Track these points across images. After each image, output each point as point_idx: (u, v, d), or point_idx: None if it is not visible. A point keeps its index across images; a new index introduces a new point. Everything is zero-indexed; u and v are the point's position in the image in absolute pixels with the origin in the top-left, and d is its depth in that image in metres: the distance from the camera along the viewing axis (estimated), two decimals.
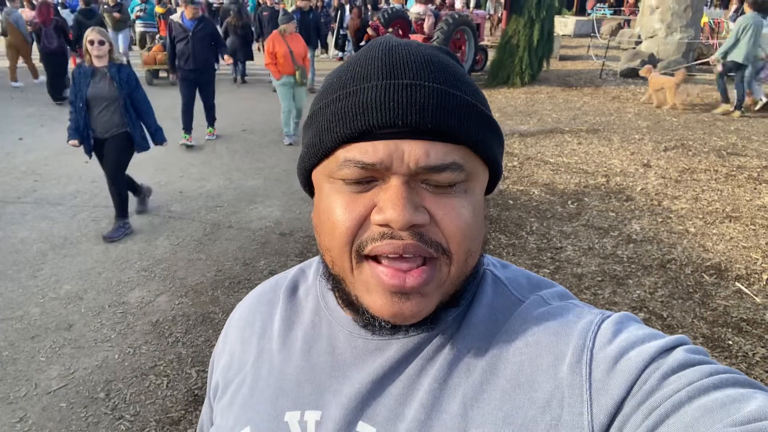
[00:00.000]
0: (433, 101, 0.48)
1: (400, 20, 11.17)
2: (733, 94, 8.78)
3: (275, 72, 6.57)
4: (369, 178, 0.50)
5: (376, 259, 0.51)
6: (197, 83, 6.70)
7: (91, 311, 3.40)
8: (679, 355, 0.47)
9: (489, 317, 0.57)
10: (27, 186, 5.41)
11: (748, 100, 8.81)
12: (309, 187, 0.60)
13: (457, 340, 0.56)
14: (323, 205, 0.53)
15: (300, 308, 0.66)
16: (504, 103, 9.51)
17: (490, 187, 0.59)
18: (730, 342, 3.12)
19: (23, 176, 5.69)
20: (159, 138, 4.61)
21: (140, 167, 5.99)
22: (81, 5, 10.56)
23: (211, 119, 7.11)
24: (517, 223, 4.70)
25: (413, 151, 0.48)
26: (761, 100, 8.81)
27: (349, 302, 0.55)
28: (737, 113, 8.56)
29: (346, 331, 0.60)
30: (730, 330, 3.24)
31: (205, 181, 5.63)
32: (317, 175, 0.55)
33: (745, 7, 8.71)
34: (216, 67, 7.03)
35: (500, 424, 0.50)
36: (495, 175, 0.57)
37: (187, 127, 6.77)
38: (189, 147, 6.75)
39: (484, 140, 0.52)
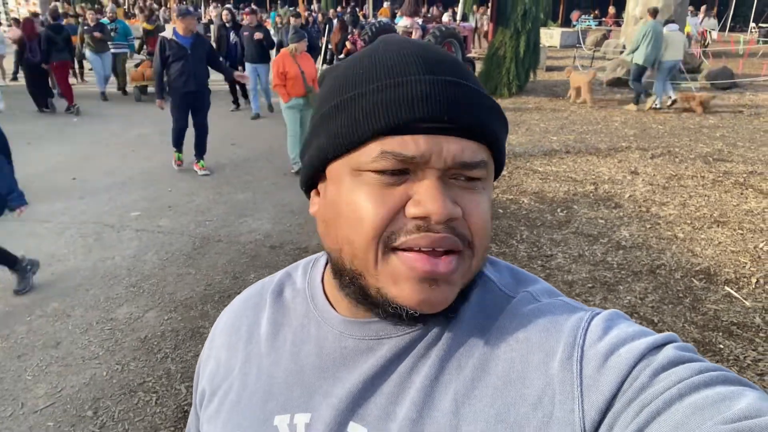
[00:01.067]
0: (473, 100, 0.50)
1: (387, 33, 11.26)
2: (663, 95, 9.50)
3: (284, 94, 6.01)
4: (403, 170, 0.50)
5: (404, 250, 0.50)
6: (193, 106, 6.09)
7: (79, 328, 3.35)
8: (669, 352, 0.47)
9: (479, 314, 0.57)
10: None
11: (664, 98, 9.77)
12: (311, 182, 0.59)
13: (447, 337, 0.55)
14: (346, 197, 0.51)
15: (287, 310, 0.66)
16: None
17: None
18: (721, 346, 3.13)
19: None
20: (15, 202, 3.56)
21: (131, 182, 5.98)
22: (49, 21, 10.67)
23: (202, 149, 6.36)
24: (507, 231, 4.71)
25: (451, 148, 0.49)
26: (670, 98, 9.74)
27: (366, 296, 0.53)
28: (633, 106, 9.79)
29: (336, 332, 0.59)
30: (720, 334, 3.25)
31: (194, 196, 5.61)
32: (338, 167, 0.53)
33: (647, 16, 9.96)
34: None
35: (492, 422, 0.49)
36: (499, 170, 0.59)
37: (179, 146, 6.36)
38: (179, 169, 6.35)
39: (502, 140, 0.55)
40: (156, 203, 5.43)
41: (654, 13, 9.59)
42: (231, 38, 9.34)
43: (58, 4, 17.70)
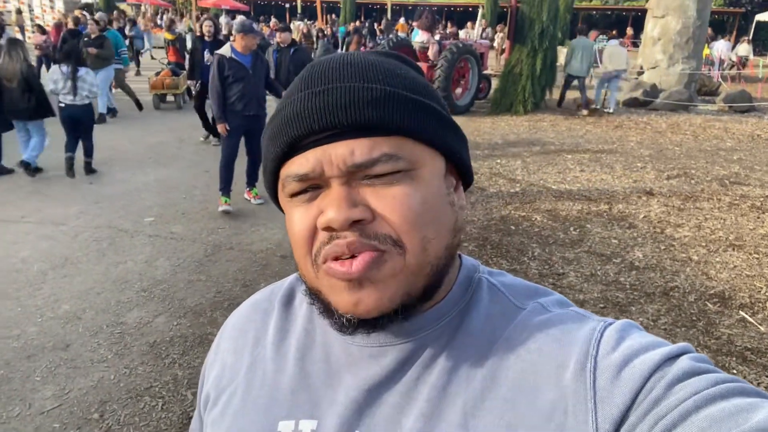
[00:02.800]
0: (346, 99, 0.49)
1: (404, 49, 11.33)
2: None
3: None
4: (313, 186, 0.51)
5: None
6: (248, 131, 5.45)
7: (89, 331, 3.37)
8: (684, 363, 0.46)
9: (486, 324, 0.56)
10: (31, 206, 5.43)
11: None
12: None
13: (454, 347, 0.55)
14: (287, 222, 0.55)
15: (294, 316, 0.66)
16: (507, 131, 9.57)
17: (465, 179, 0.60)
18: (735, 371, 3.07)
19: (28, 196, 5.72)
20: None
21: (147, 188, 6.04)
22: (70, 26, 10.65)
23: (255, 176, 5.75)
24: (519, 248, 4.68)
25: (338, 153, 0.49)
26: (608, 110, 11.27)
27: (329, 312, 0.54)
28: (585, 111, 11.21)
29: (341, 339, 0.59)
30: (734, 359, 3.20)
31: (208, 203, 5.64)
32: (281, 198, 0.56)
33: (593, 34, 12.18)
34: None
35: None
36: (456, 161, 0.57)
37: (227, 188, 5.46)
38: (227, 213, 5.39)
39: (415, 125, 0.51)
40: (170, 210, 5.48)
41: (581, 31, 11.67)
42: (206, 56, 7.52)
43: (80, 11, 18.08)
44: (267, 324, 0.66)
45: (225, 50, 5.23)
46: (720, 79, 15.25)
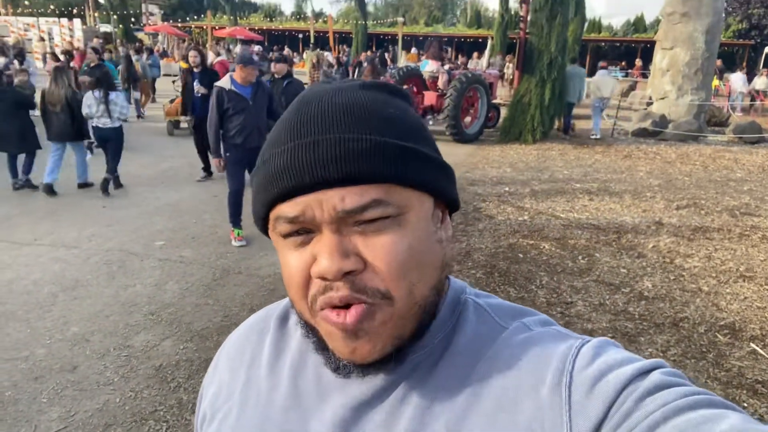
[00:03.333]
0: (335, 152, 0.49)
1: (414, 78, 11.49)
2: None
3: None
4: (305, 230, 0.52)
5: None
6: (250, 164, 5.20)
7: (96, 354, 3.39)
8: (655, 377, 0.48)
9: (472, 344, 0.57)
10: (44, 229, 5.51)
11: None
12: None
13: (440, 368, 0.56)
14: (281, 261, 0.56)
15: (289, 337, 0.67)
16: (516, 159, 9.62)
17: (451, 208, 0.60)
18: (745, 404, 3.02)
19: (42, 218, 5.81)
20: None
21: (158, 213, 6.12)
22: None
23: None
24: (527, 276, 4.67)
25: (329, 200, 0.50)
26: (594, 136, 11.87)
27: (323, 347, 0.56)
28: (566, 135, 12.07)
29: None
30: (745, 392, 3.14)
31: (217, 228, 5.69)
32: (272, 236, 0.57)
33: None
34: None
35: None
36: (444, 198, 0.58)
37: (238, 220, 5.34)
38: (242, 246, 5.25)
39: (403, 173, 0.52)
40: (180, 234, 5.53)
41: (573, 60, 12.87)
42: (195, 87, 7.33)
43: (99, 40, 18.56)
44: (263, 343, 0.68)
45: (224, 82, 5.09)
46: (730, 110, 15.25)
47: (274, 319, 0.70)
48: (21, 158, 6.87)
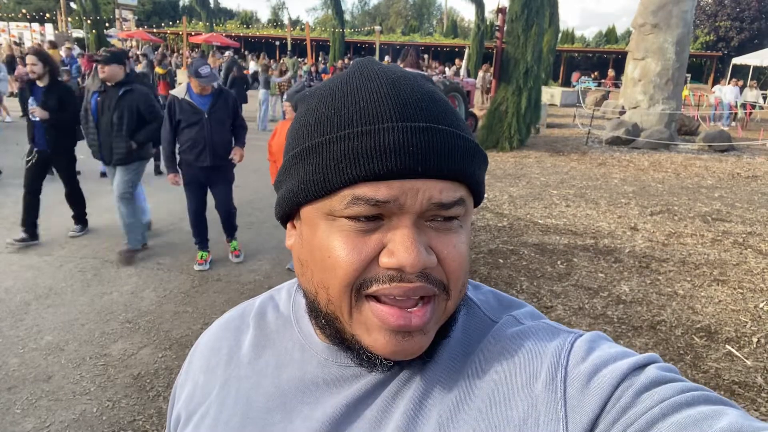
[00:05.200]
0: (448, 145, 0.49)
1: None
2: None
3: (273, 174, 4.62)
4: (377, 215, 0.49)
5: (376, 297, 0.50)
6: (209, 183, 4.72)
7: (72, 363, 3.30)
8: (651, 372, 0.48)
9: (463, 339, 0.57)
10: (15, 236, 5.35)
11: None
12: (288, 218, 0.58)
13: (432, 363, 0.56)
14: (320, 242, 0.51)
15: (270, 333, 0.65)
16: (494, 166, 9.71)
17: None
18: None
19: (12, 227, 5.65)
20: None
21: None
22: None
23: (231, 228, 5.01)
24: (508, 281, 4.70)
25: (428, 190, 0.48)
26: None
27: (342, 339, 0.54)
28: None
29: (320, 357, 0.59)
30: (722, 392, 3.20)
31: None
32: (311, 211, 0.52)
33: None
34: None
35: None
36: (477, 200, 0.59)
37: (203, 241, 4.87)
38: (204, 271, 4.74)
39: (481, 179, 0.54)
40: (157, 240, 5.43)
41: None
42: (30, 110, 4.90)
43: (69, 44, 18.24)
44: (240, 341, 0.66)
45: (179, 90, 4.49)
46: (699, 120, 15.65)
47: (252, 317, 0.68)
48: None
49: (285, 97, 4.29)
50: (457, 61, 22.62)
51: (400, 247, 0.48)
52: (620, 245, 5.70)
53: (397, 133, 0.47)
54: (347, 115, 0.50)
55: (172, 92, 4.55)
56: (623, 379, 0.47)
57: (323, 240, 0.51)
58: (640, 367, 0.49)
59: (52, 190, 6.91)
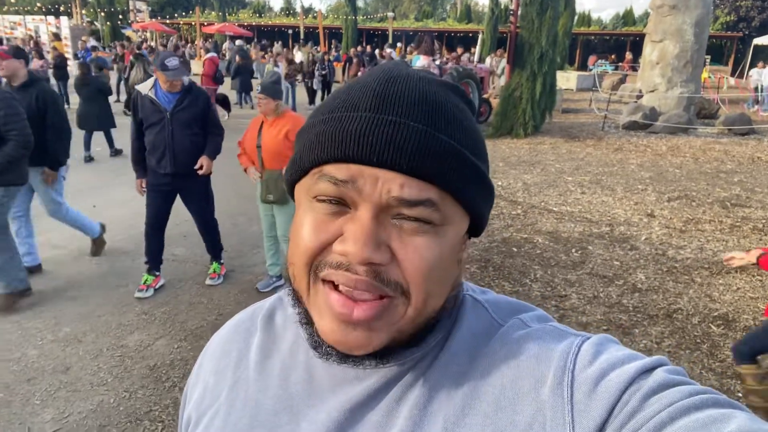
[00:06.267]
0: (414, 143, 0.48)
1: None
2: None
3: (251, 173, 4.09)
4: (341, 201, 0.50)
5: (334, 284, 0.50)
6: (175, 193, 4.17)
7: (89, 354, 3.36)
8: (659, 376, 0.47)
9: (469, 342, 0.56)
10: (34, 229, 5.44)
11: None
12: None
13: (437, 366, 0.55)
14: (297, 220, 0.54)
15: (277, 336, 0.65)
16: (508, 153, 9.63)
17: (474, 233, 0.59)
18: (740, 394, 3.04)
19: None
20: None
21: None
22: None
23: (214, 247, 4.47)
24: (521, 270, 4.67)
25: (388, 181, 0.48)
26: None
27: (308, 320, 0.55)
28: None
29: (324, 359, 0.59)
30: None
31: None
32: (299, 189, 0.55)
33: None
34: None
35: None
36: (478, 223, 0.57)
37: (154, 261, 4.23)
38: (142, 299, 4.08)
39: (464, 188, 0.51)
40: (172, 231, 5.46)
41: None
42: None
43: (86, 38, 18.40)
44: (249, 344, 0.66)
45: (145, 86, 3.97)
46: (719, 102, 15.35)
47: (260, 319, 0.68)
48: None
49: (259, 88, 3.88)
50: (471, 49, 22.40)
51: (350, 235, 0.48)
52: (636, 232, 5.63)
53: (362, 122, 0.49)
54: (336, 102, 0.53)
55: (137, 87, 4.02)
56: (631, 383, 0.47)
57: (299, 218, 0.54)
58: (648, 370, 0.48)
59: (69, 182, 6.99)
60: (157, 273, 4.28)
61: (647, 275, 4.61)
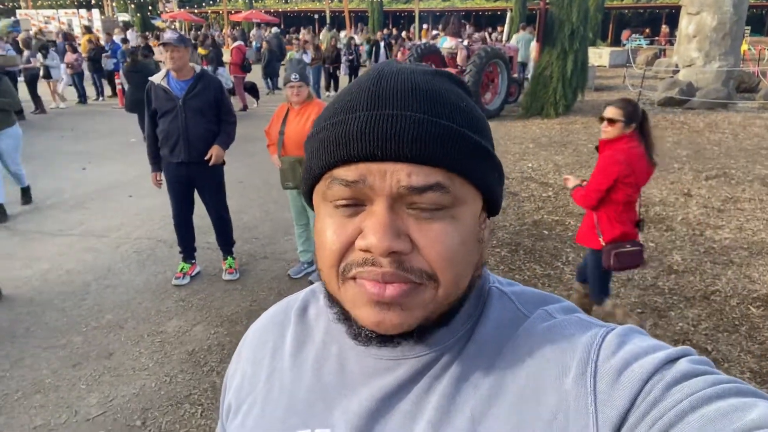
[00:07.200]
0: (413, 131, 0.49)
1: (432, 55, 11.34)
2: None
3: (275, 161, 4.11)
4: (356, 201, 0.52)
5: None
6: (192, 184, 4.17)
7: (131, 340, 3.48)
8: (682, 365, 0.47)
9: (495, 333, 0.57)
10: (74, 219, 5.63)
11: None
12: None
13: (464, 357, 0.56)
14: (318, 225, 0.56)
15: (310, 328, 0.68)
16: (538, 134, 9.48)
17: (492, 211, 0.60)
18: None
19: (71, 210, 5.94)
20: None
21: None
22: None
23: (226, 242, 4.43)
24: (553, 253, 4.63)
25: (396, 172, 0.50)
26: None
27: (345, 317, 0.57)
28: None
29: (356, 351, 0.61)
30: None
31: (242, 213, 5.75)
32: (315, 196, 0.57)
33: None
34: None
35: None
36: (491, 200, 0.58)
37: (187, 250, 4.37)
38: (179, 287, 4.21)
39: (471, 166, 0.53)
40: (206, 220, 5.56)
41: (524, 27, 15.00)
42: None
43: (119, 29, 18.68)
44: (284, 336, 0.69)
45: (157, 76, 3.98)
46: (760, 75, 14.74)
47: (294, 311, 0.71)
48: None
49: (295, 76, 3.81)
50: (499, 28, 21.99)
51: (369, 229, 0.50)
52: (672, 213, 5.50)
53: (362, 121, 0.51)
54: (334, 108, 0.55)
55: (151, 78, 4.03)
56: (654, 373, 0.47)
57: (319, 224, 0.55)
58: (672, 360, 0.48)
59: (107, 172, 7.22)
60: (193, 261, 4.41)
61: (683, 256, 4.51)
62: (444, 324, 0.56)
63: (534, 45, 12.59)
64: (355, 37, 19.85)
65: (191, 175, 4.08)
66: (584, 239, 3.24)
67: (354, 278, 0.52)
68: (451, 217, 0.52)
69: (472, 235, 0.54)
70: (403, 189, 0.50)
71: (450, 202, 0.51)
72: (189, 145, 3.92)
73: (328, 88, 14.66)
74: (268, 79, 14.87)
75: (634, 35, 26.33)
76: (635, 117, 3.00)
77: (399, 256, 0.50)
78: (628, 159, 2.97)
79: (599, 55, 21.00)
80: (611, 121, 3.06)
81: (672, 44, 19.69)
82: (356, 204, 0.52)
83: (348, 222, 0.52)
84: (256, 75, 14.55)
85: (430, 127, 0.50)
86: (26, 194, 6.14)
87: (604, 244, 3.08)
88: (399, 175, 0.50)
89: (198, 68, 4.02)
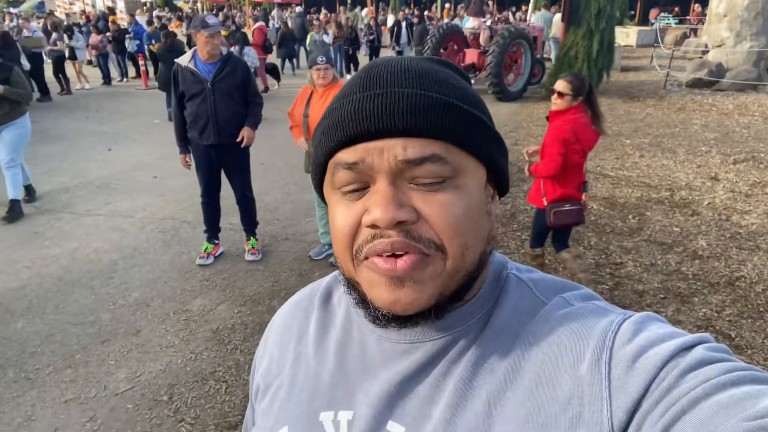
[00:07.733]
0: (403, 103, 0.51)
1: (454, 36, 11.21)
2: None
3: (302, 145, 4.15)
4: (361, 184, 0.53)
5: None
6: (220, 165, 4.21)
7: (157, 318, 3.57)
8: (698, 353, 0.47)
9: (512, 319, 0.58)
10: (101, 199, 5.74)
11: None
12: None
13: (481, 342, 0.57)
14: (330, 213, 0.58)
15: (333, 314, 0.70)
16: None
17: (501, 188, 0.62)
18: None
19: (98, 190, 6.05)
20: None
21: None
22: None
23: (250, 222, 4.48)
24: (575, 238, 4.59)
25: (391, 148, 0.51)
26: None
27: (362, 300, 0.58)
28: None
29: (375, 335, 0.63)
30: None
31: (264, 195, 5.79)
32: (326, 187, 0.59)
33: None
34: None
35: (522, 422, 0.51)
36: (495, 171, 0.59)
37: (212, 230, 4.42)
38: (203, 266, 4.28)
39: (466, 135, 0.54)
40: (230, 201, 5.63)
41: (546, 6, 15.07)
42: None
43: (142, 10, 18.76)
44: (308, 321, 0.71)
45: (184, 58, 3.98)
46: None
47: (318, 297, 0.73)
48: None
49: (321, 58, 3.81)
50: (523, 7, 21.52)
51: (373, 204, 0.52)
52: (698, 197, 5.41)
53: (355, 102, 0.53)
54: (333, 102, 0.58)
55: (177, 60, 4.02)
56: (669, 360, 0.47)
57: (331, 212, 0.57)
58: (688, 347, 0.48)
59: (132, 153, 7.32)
60: (217, 241, 4.46)
61: (709, 242, 4.45)
62: (458, 299, 0.57)
63: (557, 23, 12.48)
64: (362, 15, 19.70)
65: (220, 157, 4.12)
66: (532, 199, 3.59)
67: (367, 258, 0.53)
68: (454, 187, 0.53)
69: (477, 205, 0.55)
70: (401, 163, 0.51)
71: (450, 172, 0.52)
72: (218, 127, 3.95)
73: (348, 70, 14.56)
74: (285, 61, 14.82)
75: (662, 14, 25.63)
76: (582, 90, 3.28)
77: (406, 226, 0.51)
78: (574, 128, 3.26)
79: (626, 35, 20.51)
80: (561, 94, 3.32)
81: (703, 23, 19.13)
82: (361, 188, 0.54)
83: (353, 205, 0.54)
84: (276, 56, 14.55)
85: (419, 99, 0.52)
86: (28, 192, 5.71)
87: (546, 203, 3.39)
88: (395, 150, 0.51)
89: (224, 50, 4.02)
